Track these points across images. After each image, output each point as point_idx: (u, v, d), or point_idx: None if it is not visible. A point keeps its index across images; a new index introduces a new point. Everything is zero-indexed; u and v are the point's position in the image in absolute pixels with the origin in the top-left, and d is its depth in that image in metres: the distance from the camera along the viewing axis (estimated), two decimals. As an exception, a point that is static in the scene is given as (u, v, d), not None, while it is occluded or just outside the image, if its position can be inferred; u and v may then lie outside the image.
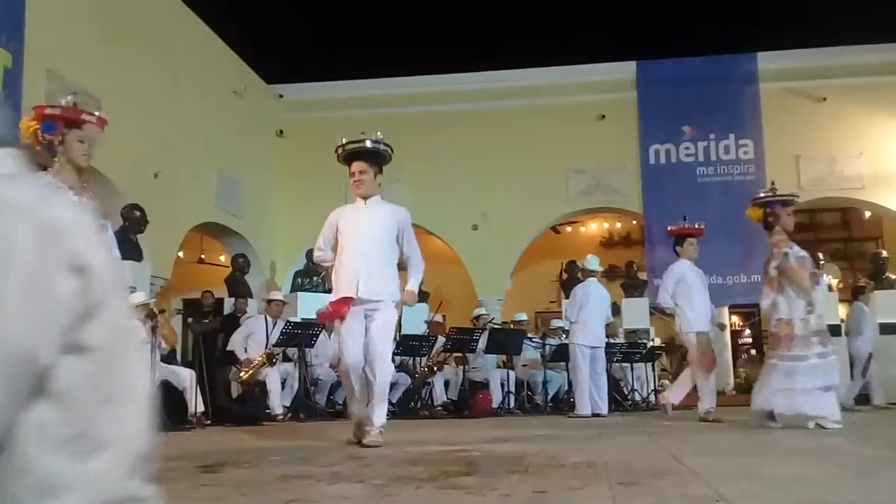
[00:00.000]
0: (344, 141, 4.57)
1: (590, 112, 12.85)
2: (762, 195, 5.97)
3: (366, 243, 4.42)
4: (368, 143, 4.52)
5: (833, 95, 12.22)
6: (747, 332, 15.49)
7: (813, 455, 3.25)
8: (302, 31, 15.92)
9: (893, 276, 11.28)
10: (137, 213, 8.49)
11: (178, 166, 10.01)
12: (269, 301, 8.83)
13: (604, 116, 12.84)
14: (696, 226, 7.09)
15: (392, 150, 4.66)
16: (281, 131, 13.55)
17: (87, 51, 8.36)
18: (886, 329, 10.40)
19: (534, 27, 15.90)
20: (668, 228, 7.24)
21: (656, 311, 12.70)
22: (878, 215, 13.24)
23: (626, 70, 13.02)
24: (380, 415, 4.32)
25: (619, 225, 15.42)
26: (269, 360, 7.96)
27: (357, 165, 4.52)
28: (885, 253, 11.84)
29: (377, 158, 4.59)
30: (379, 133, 4.60)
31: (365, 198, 4.54)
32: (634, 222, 14.21)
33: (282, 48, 14.91)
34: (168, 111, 9.94)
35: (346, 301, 4.30)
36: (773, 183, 6.15)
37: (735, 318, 15.14)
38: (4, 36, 6.97)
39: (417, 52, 14.46)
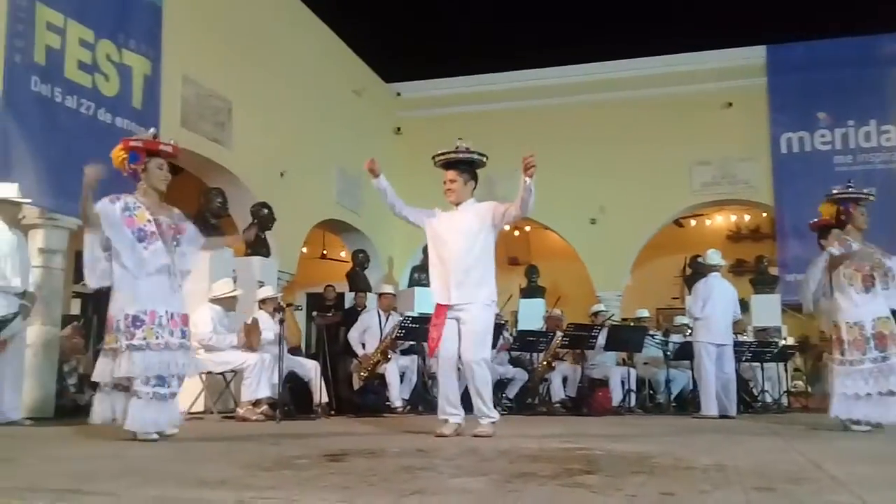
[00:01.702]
0: (438, 152, 4.87)
1: (716, 100, 12.34)
2: (835, 191, 5.64)
3: (457, 249, 4.62)
4: (460, 154, 4.79)
5: None
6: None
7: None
8: (418, 29, 16.15)
9: None
10: (266, 210, 8.87)
11: (301, 165, 10.39)
12: (381, 294, 9.01)
13: (731, 104, 12.30)
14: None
15: (486, 157, 4.94)
16: (398, 129, 13.81)
17: (218, 57, 8.82)
18: None
19: (656, 14, 15.42)
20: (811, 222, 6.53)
21: (789, 308, 12.05)
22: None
23: (755, 55, 12.41)
24: (488, 407, 4.58)
25: (747, 218, 14.73)
26: (384, 356, 8.12)
27: (449, 174, 4.79)
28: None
29: (469, 165, 4.83)
30: (469, 142, 4.85)
31: (457, 204, 4.78)
32: (765, 215, 13.54)
33: (399, 47, 15.18)
34: (292, 112, 10.34)
35: (441, 311, 4.62)
36: (849, 181, 5.71)
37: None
38: (144, 45, 7.45)
39: (532, 45, 14.36)
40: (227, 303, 6.94)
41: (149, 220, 4.09)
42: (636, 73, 12.86)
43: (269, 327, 7.01)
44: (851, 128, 11.92)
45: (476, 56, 14.13)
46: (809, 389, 11.25)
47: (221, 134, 8.91)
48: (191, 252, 4.32)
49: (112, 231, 4.01)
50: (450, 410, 4.62)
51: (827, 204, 5.72)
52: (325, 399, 7.21)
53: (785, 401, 10.35)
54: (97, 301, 11.09)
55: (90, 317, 9.98)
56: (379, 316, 8.62)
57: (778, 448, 4.04)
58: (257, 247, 8.79)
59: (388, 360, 8.16)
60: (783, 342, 10.88)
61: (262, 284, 7.90)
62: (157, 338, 3.96)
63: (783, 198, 12.12)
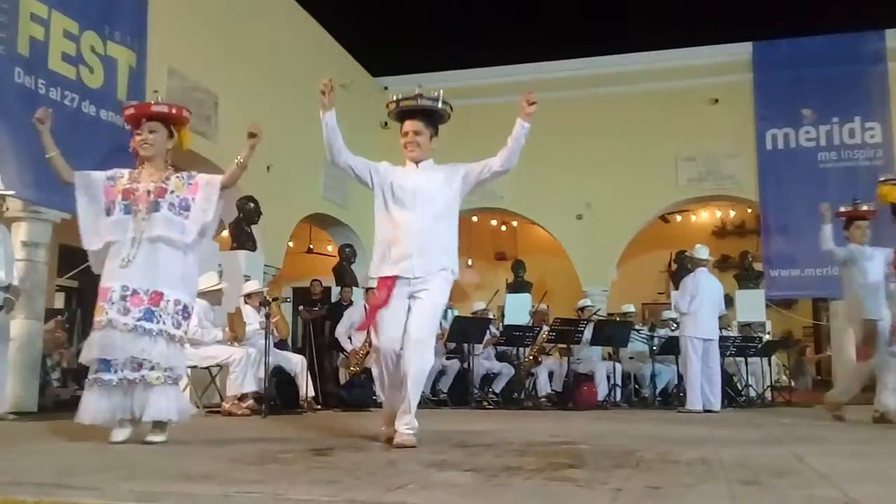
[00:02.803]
0: (397, 97, 4.06)
1: (702, 96, 12.38)
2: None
3: (420, 215, 3.87)
4: (425, 101, 4.01)
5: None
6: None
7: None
8: (406, 22, 16.10)
9: None
10: (252, 204, 8.84)
11: (288, 159, 10.34)
12: (367, 289, 8.99)
13: (717, 100, 12.35)
14: (867, 207, 6.39)
15: (451, 109, 4.16)
16: (385, 123, 13.77)
17: (203, 49, 8.75)
18: None
19: (643, 10, 15.44)
20: (839, 209, 6.62)
21: (773, 303, 12.16)
22: None
23: (741, 51, 12.45)
24: (409, 417, 3.58)
25: (732, 213, 14.82)
26: (372, 347, 8.12)
27: (411, 125, 4.02)
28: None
29: (433, 118, 4.09)
30: (440, 90, 4.12)
31: (417, 161, 4.03)
32: (749, 210, 13.62)
33: (387, 41, 15.13)
34: (278, 106, 10.29)
35: (387, 286, 3.76)
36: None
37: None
38: (129, 37, 7.39)
39: (520, 40, 14.34)
40: (213, 297, 6.91)
41: (126, 190, 3.71)
42: (623, 69, 12.89)
43: (254, 321, 6.99)
44: (836, 125, 11.99)
45: (464, 50, 14.10)
46: (793, 384, 11.35)
47: (207, 127, 8.86)
48: (200, 210, 3.79)
49: (79, 196, 3.70)
50: (405, 419, 3.58)
51: (889, 186, 5.60)
52: (311, 393, 7.20)
53: (769, 395, 10.43)
54: (81, 295, 11.02)
55: (74, 310, 9.92)
56: (365, 310, 8.59)
57: (762, 442, 4.08)
58: (243, 240, 8.77)
59: (375, 353, 8.16)
60: (767, 337, 10.96)
61: (248, 278, 7.87)
62: (103, 314, 3.51)
63: (768, 194, 12.20)
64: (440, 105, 4.06)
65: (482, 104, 13.43)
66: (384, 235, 3.90)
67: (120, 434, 3.52)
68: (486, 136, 14.70)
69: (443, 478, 2.37)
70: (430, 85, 15.14)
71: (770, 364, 10.61)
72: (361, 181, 4.07)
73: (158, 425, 3.56)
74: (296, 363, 7.19)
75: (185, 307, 3.68)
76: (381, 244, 3.89)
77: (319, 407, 7.32)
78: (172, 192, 3.76)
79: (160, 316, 3.55)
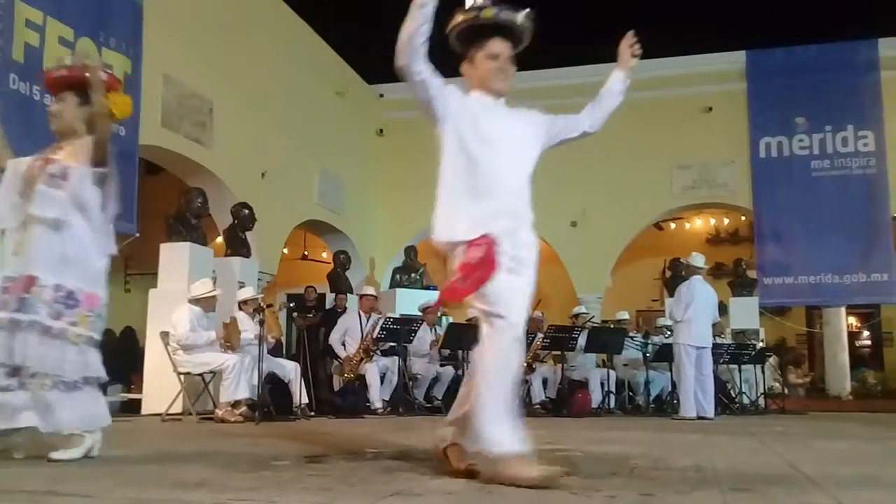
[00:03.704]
0: (477, 2, 2.94)
1: (696, 104, 12.44)
2: None
3: (512, 164, 3.01)
4: (518, 18, 2.97)
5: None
6: (866, 333, 14.62)
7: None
8: (400, 29, 16.08)
9: None
10: (246, 211, 8.83)
11: (283, 166, 10.35)
12: (362, 296, 8.99)
13: (711, 109, 12.41)
14: None
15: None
16: (381, 130, 13.80)
17: (199, 56, 8.76)
18: None
19: (637, 18, 15.51)
20: None
21: (767, 310, 12.19)
22: None
23: (734, 60, 12.52)
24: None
25: (726, 221, 14.87)
26: (367, 353, 8.11)
27: (501, 45, 3.00)
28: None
29: (517, 41, 3.09)
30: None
31: (500, 96, 3.07)
32: (743, 218, 13.67)
33: (382, 48, 15.11)
34: (274, 113, 10.30)
35: (490, 241, 2.75)
36: None
37: (852, 320, 14.32)
38: (125, 43, 7.39)
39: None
40: (207, 303, 6.89)
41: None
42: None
43: (248, 328, 6.98)
44: (829, 133, 12.06)
45: (459, 57, 14.14)
46: (786, 391, 11.38)
47: (202, 134, 8.86)
48: (75, 178, 3.16)
49: (3, 181, 3.26)
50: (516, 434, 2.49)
51: None
52: (304, 400, 7.19)
53: (762, 402, 10.45)
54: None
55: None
56: (360, 317, 8.60)
57: (755, 449, 4.09)
58: (237, 247, 8.76)
59: (370, 358, 8.15)
60: (760, 344, 10.99)
61: (242, 285, 7.86)
62: None
63: (762, 201, 12.25)
64: (525, 23, 3.04)
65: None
66: (462, 186, 2.85)
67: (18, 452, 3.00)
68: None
69: (436, 485, 2.37)
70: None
71: (763, 371, 10.64)
72: (427, 105, 2.94)
73: (68, 438, 2.98)
74: (290, 370, 7.18)
75: (71, 293, 3.03)
76: (459, 197, 2.85)
77: (313, 414, 7.30)
78: (57, 161, 3.22)
79: (33, 305, 2.96)
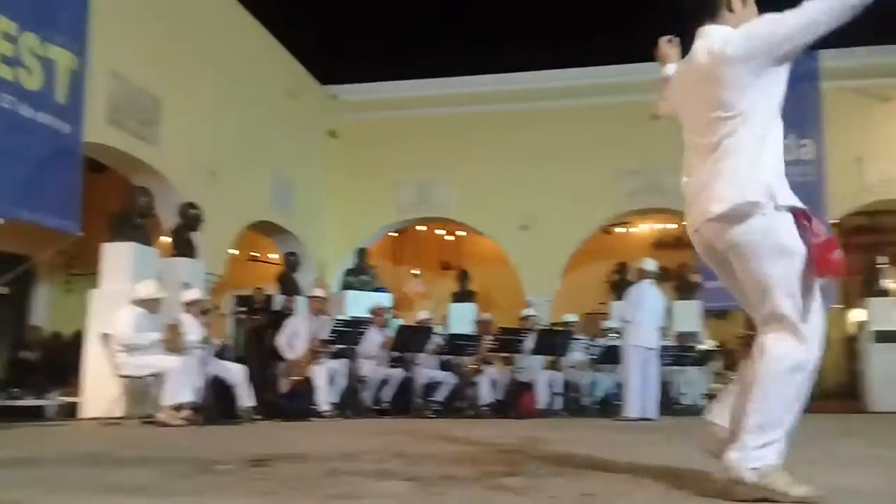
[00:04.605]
0: None
1: (643, 111, 12.62)
2: None
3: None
4: None
5: (898, 95, 11.86)
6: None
7: (869, 466, 3.13)
8: (355, 31, 16.05)
9: None
10: (194, 211, 8.69)
11: (233, 166, 10.21)
12: (311, 297, 8.93)
13: (657, 116, 12.64)
14: None
15: None
16: (334, 132, 13.72)
17: (147, 53, 8.60)
18: (881, 338, 10.27)
19: (589, 26, 15.74)
20: None
21: (709, 313, 12.48)
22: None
23: (680, 69, 12.79)
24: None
25: (672, 226, 15.17)
26: (315, 356, 8.05)
27: None
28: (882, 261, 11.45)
29: None
30: None
31: None
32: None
33: (336, 48, 15.07)
34: (224, 112, 10.15)
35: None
36: None
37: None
38: (70, 39, 7.19)
39: (470, 52, 14.45)
40: (151, 305, 6.76)
41: None
42: (568, 83, 13.11)
43: (193, 330, 6.86)
44: (770, 142, 12.40)
45: (415, 61, 14.15)
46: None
47: (149, 132, 8.69)
48: None
49: None
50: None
51: None
52: (250, 403, 7.10)
53: (703, 403, 10.69)
54: (12, 303, 10.66)
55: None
56: (308, 319, 8.53)
57: (693, 450, 4.19)
58: (184, 248, 8.61)
59: (318, 360, 8.09)
60: (703, 347, 11.26)
61: (187, 286, 7.73)
62: None
63: (705, 208, 12.52)
64: None
65: (434, 115, 13.54)
66: (778, 154, 2.43)
67: None
68: (439, 147, 14.85)
69: (381, 488, 2.38)
70: (381, 94, 15.10)
71: (705, 373, 10.90)
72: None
73: None
74: (235, 372, 7.08)
75: None
76: (778, 164, 2.41)
77: (259, 417, 7.22)
78: None
79: None
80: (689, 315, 11.71)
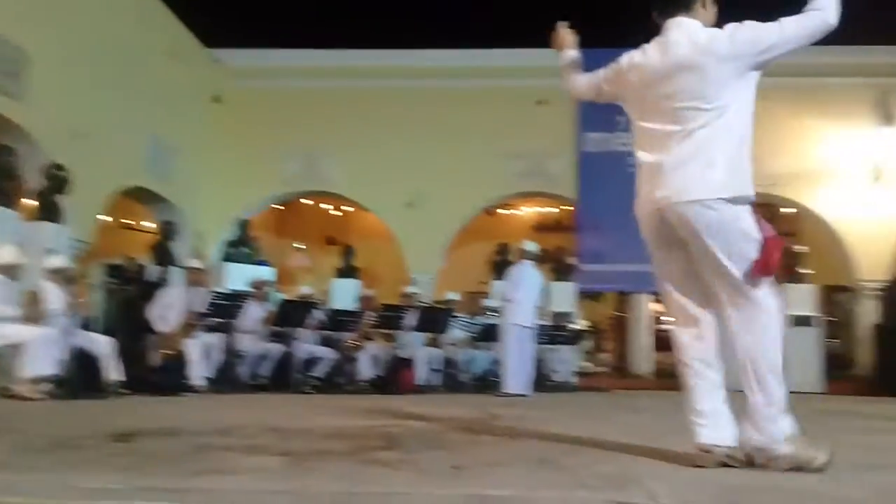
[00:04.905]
0: None
1: (530, 96, 12.91)
2: None
3: None
4: None
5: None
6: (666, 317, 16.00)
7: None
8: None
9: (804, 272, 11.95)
10: (61, 173, 8.18)
11: (106, 127, 9.66)
12: (188, 269, 8.62)
13: (543, 102, 12.94)
14: None
15: None
16: (218, 98, 13.22)
17: (13, 2, 7.97)
18: (798, 321, 10.97)
19: (480, 8, 15.85)
20: None
21: (583, 295, 13.02)
22: (796, 212, 13.67)
23: (566, 56, 13.11)
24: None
25: (552, 210, 15.64)
26: (189, 329, 7.79)
27: None
28: (800, 248, 12.34)
29: None
30: None
31: None
32: (567, 208, 14.45)
33: (221, 11, 14.44)
34: (99, 69, 9.57)
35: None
36: None
37: (656, 305, 15.59)
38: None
39: (362, 26, 14.25)
40: (10, 271, 6.32)
41: None
42: (458, 64, 13.19)
43: (55, 299, 6.48)
44: (646, 133, 12.98)
45: (305, 30, 13.80)
46: (596, 371, 12.28)
47: (13, 86, 8.07)
48: None
49: None
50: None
51: None
52: (117, 377, 6.79)
53: (574, 380, 11.17)
54: None
55: None
56: (184, 291, 8.23)
57: (564, 424, 4.37)
58: (49, 211, 8.09)
59: (191, 334, 7.83)
60: (576, 326, 11.73)
61: (51, 253, 7.27)
62: None
63: (584, 193, 13.01)
64: None
65: (321, 86, 13.27)
66: (750, 144, 2.65)
67: None
68: (326, 120, 14.58)
69: (250, 463, 2.35)
70: (268, 61, 14.76)
71: (577, 352, 11.38)
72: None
73: None
74: (102, 344, 6.74)
75: None
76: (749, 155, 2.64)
77: (127, 391, 6.92)
78: None
79: None
80: (564, 296, 12.15)
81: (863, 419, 5.44)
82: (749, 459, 2.45)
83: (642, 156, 2.69)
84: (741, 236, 2.50)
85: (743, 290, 2.50)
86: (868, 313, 12.65)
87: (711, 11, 2.71)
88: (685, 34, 2.62)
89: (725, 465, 2.41)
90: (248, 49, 13.47)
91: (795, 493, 1.99)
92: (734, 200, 2.50)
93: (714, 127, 2.52)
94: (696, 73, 2.55)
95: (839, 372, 12.34)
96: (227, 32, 13.07)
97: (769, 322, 2.51)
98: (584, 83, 3.09)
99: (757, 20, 2.57)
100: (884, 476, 2.45)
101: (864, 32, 11.74)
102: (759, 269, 2.49)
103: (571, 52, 3.16)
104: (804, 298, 11.48)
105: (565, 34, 3.19)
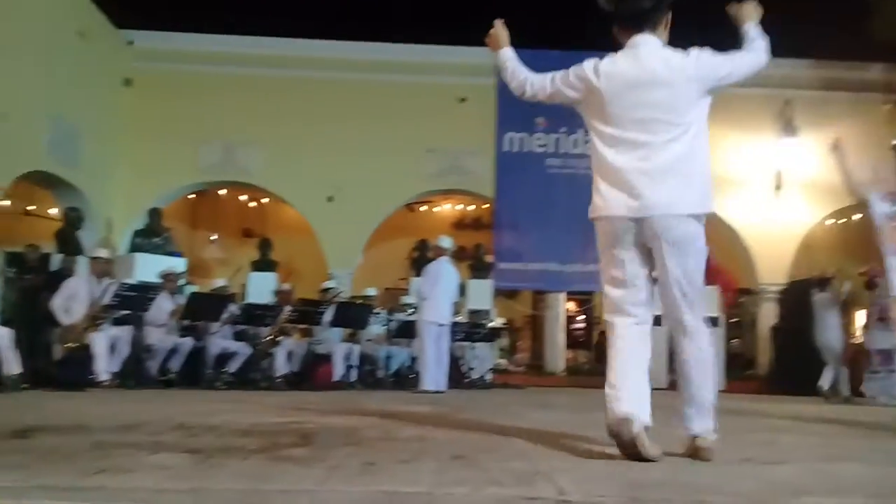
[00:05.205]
0: None
1: (452, 94, 12.99)
2: None
3: None
4: None
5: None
6: (581, 317, 16.40)
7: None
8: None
9: None
10: (-47, 154, 7.71)
11: (5, 106, 9.16)
12: (94, 258, 8.28)
13: (464, 99, 13.04)
14: None
15: None
16: (129, 80, 12.73)
17: None
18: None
19: (403, 2, 15.79)
20: None
21: (500, 293, 13.19)
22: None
23: (487, 56, 13.13)
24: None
25: (471, 208, 15.78)
26: (94, 321, 7.50)
27: None
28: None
29: None
30: None
31: None
32: (486, 206, 14.60)
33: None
34: (1, 48, 9.07)
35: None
36: None
37: (571, 304, 15.96)
38: None
39: (281, 13, 13.97)
40: None
41: None
42: (381, 57, 13.13)
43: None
44: (563, 134, 13.27)
45: (224, 15, 13.39)
46: (511, 369, 12.49)
47: None
48: None
49: None
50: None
51: None
52: (17, 370, 6.47)
53: (489, 377, 11.32)
54: None
55: None
56: (89, 282, 7.90)
57: (478, 421, 4.42)
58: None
59: (98, 326, 7.53)
60: (492, 324, 11.88)
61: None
62: None
63: (502, 192, 13.18)
64: None
65: (238, 73, 12.95)
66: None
67: None
68: (243, 108, 14.24)
69: (153, 460, 2.27)
70: (183, 45, 14.32)
71: (493, 349, 11.53)
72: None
73: None
74: (1, 336, 6.42)
75: None
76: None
77: (27, 385, 6.60)
78: None
79: None
80: (481, 293, 12.28)
81: (765, 418, 5.71)
82: (690, 450, 2.67)
83: (613, 160, 2.79)
84: (696, 251, 2.73)
85: (688, 299, 2.71)
86: (768, 315, 13.30)
87: (667, 33, 2.90)
88: (655, 51, 2.81)
89: (636, 444, 2.49)
90: (163, 32, 13.04)
91: (694, 487, 2.08)
92: (698, 217, 2.72)
93: (684, 143, 2.71)
94: (667, 89, 2.74)
95: (740, 371, 12.94)
96: (142, 13, 12.60)
97: (707, 332, 2.76)
98: (538, 82, 3.18)
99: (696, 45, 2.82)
100: (777, 471, 2.58)
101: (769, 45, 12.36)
102: (712, 277, 2.79)
103: (510, 51, 3.24)
104: (709, 300, 11.97)
105: (502, 32, 3.25)
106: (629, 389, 2.63)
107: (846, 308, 10.09)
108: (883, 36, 11.70)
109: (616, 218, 2.76)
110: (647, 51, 2.80)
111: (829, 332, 9.68)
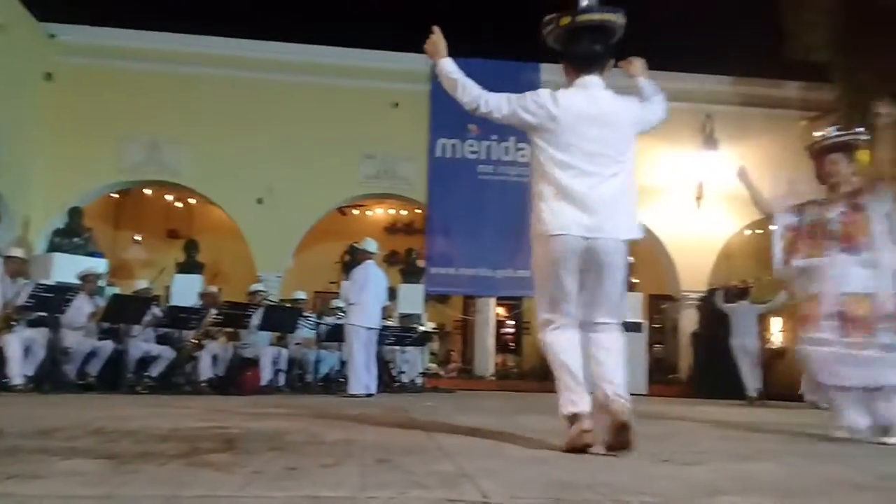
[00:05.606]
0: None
1: (385, 98, 12.99)
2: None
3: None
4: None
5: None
6: (510, 322, 16.60)
7: (557, 437, 3.54)
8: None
9: None
10: None
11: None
12: (7, 257, 7.93)
13: (397, 104, 13.05)
14: None
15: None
16: (49, 74, 12.26)
17: None
18: (627, 327, 11.77)
19: (338, 6, 15.70)
20: None
21: (431, 297, 13.22)
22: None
23: (421, 62, 13.20)
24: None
25: (403, 212, 15.78)
26: (7, 323, 7.19)
27: None
28: (630, 259, 13.23)
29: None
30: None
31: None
32: (418, 211, 14.64)
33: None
34: None
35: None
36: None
37: (500, 310, 16.14)
38: None
39: (211, 12, 13.70)
40: None
41: None
42: (315, 60, 13.03)
43: None
44: (494, 142, 13.43)
45: (150, 10, 13.05)
46: (441, 373, 12.52)
47: None
48: None
49: None
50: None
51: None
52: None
53: (420, 381, 11.33)
54: None
55: None
56: (2, 282, 7.57)
57: (404, 424, 4.42)
58: None
59: (11, 328, 7.23)
60: (423, 328, 11.91)
61: None
62: None
63: (434, 197, 13.24)
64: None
65: (165, 71, 12.63)
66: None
67: None
68: (171, 106, 13.93)
69: (66, 466, 2.19)
70: (110, 41, 13.90)
71: (423, 353, 11.55)
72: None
73: None
74: None
75: None
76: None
77: (-69, 391, 6.28)
78: None
79: None
80: (412, 298, 12.30)
81: (685, 421, 5.89)
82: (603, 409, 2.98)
83: (567, 183, 3.05)
84: (624, 269, 3.13)
85: (612, 306, 3.11)
86: (689, 321, 13.74)
87: (608, 74, 3.24)
88: (603, 92, 3.15)
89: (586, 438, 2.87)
90: (86, 26, 12.61)
91: (615, 487, 2.13)
92: (628, 242, 3.10)
93: (622, 178, 3.07)
94: (613, 129, 3.08)
95: (662, 375, 13.33)
96: (64, 6, 12.16)
97: (620, 329, 3.16)
98: (493, 101, 3.43)
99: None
100: (695, 471, 2.67)
101: (692, 61, 12.85)
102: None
103: (452, 62, 3.39)
104: (633, 306, 12.30)
105: (440, 41, 3.38)
106: (576, 392, 2.98)
107: (763, 315, 10.53)
108: (796, 57, 12.27)
109: (571, 237, 3.00)
110: (598, 91, 3.13)
111: (747, 338, 10.10)
